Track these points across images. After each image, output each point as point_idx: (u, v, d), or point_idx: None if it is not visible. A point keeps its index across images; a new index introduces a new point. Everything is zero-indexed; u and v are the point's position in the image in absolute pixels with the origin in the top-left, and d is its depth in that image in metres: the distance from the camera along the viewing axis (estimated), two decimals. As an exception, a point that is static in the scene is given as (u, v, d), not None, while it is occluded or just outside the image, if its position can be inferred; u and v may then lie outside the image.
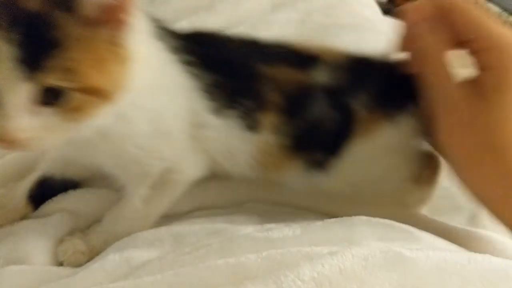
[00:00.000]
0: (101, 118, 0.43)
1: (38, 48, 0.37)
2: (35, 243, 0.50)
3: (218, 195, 0.56)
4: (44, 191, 0.57)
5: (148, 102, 0.48)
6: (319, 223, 0.44)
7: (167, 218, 0.52)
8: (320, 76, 0.54)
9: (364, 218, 0.45)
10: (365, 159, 0.56)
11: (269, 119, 0.53)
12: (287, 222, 0.49)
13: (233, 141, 0.53)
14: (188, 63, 0.49)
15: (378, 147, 0.56)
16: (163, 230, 0.48)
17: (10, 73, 0.36)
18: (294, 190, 0.57)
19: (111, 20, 0.40)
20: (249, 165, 0.55)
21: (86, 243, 0.51)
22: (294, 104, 0.54)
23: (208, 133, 0.51)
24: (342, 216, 0.46)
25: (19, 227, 0.53)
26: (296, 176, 0.57)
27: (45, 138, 0.39)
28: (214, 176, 0.59)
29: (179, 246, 0.45)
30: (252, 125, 0.53)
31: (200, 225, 0.48)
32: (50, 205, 0.56)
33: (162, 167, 0.51)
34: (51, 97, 0.38)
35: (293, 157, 0.56)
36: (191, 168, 0.53)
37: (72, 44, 0.38)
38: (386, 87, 0.56)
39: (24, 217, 0.55)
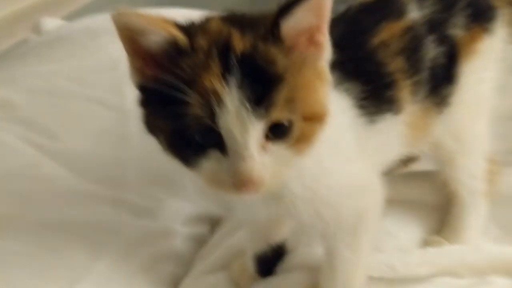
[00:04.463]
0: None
1: (261, 85, 0.36)
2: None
3: (459, 264, 0.53)
4: (263, 264, 0.60)
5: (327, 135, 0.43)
6: None
7: (405, 282, 0.52)
8: (416, 13, 0.53)
9: None
10: (477, 78, 0.56)
11: (405, 90, 0.50)
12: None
13: (389, 134, 0.51)
14: (339, 82, 0.46)
15: (485, 61, 0.56)
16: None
17: (240, 115, 0.36)
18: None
19: (311, 43, 0.39)
20: (402, 144, 0.53)
21: None
22: (414, 57, 0.51)
23: (370, 143, 0.49)
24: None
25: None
26: (435, 126, 0.55)
27: (277, 174, 0.38)
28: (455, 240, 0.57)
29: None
30: (397, 108, 0.50)
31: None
32: (289, 262, 0.59)
33: (355, 209, 0.48)
34: (277, 133, 0.37)
35: (432, 108, 0.54)
36: (374, 191, 0.50)
37: (289, 75, 0.37)
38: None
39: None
